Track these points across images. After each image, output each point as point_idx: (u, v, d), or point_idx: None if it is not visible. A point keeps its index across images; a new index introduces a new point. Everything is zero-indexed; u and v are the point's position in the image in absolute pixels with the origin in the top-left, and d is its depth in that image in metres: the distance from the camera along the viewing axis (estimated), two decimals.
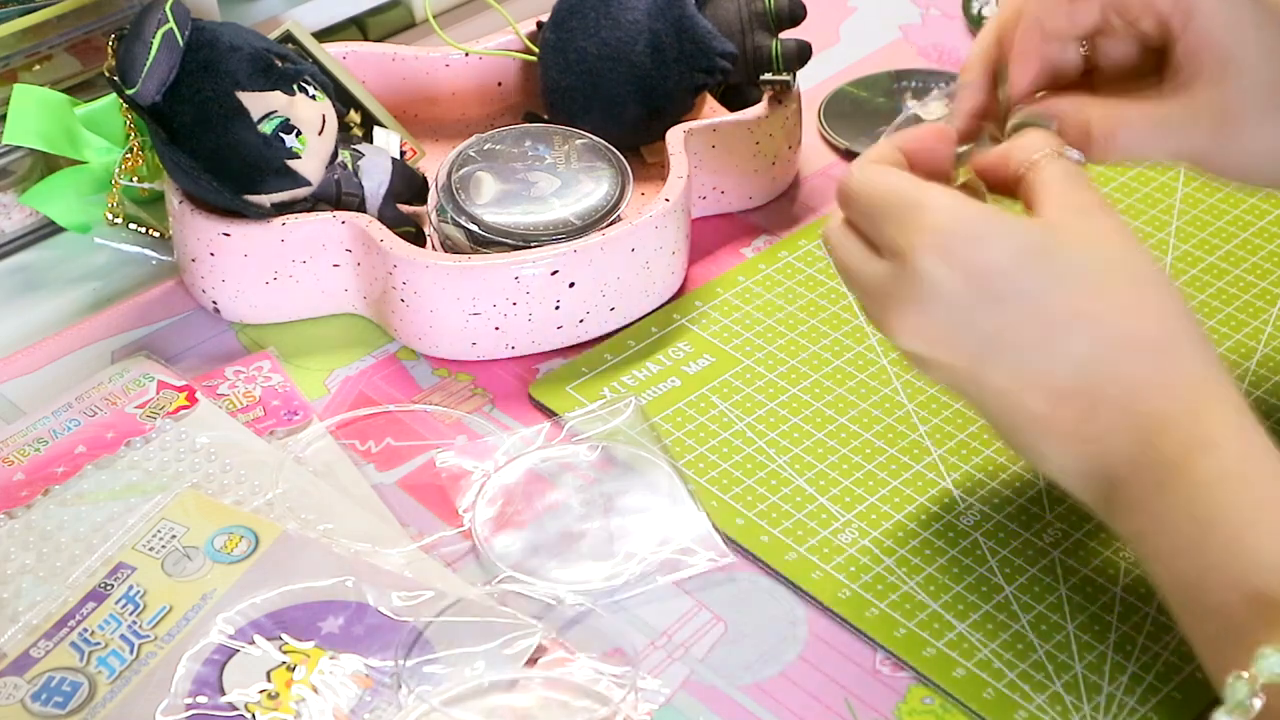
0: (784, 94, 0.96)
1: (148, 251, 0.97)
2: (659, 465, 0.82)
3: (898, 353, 0.71)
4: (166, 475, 0.81)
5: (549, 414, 0.86)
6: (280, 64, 0.88)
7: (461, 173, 0.90)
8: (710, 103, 1.00)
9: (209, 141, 0.86)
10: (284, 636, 0.73)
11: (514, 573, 0.77)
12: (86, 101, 0.94)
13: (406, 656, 0.72)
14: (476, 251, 0.88)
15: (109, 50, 0.91)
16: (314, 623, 0.74)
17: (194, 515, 0.78)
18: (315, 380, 0.88)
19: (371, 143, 0.94)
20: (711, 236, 0.96)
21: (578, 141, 0.92)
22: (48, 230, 0.98)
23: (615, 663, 0.73)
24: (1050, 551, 0.77)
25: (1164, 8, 0.73)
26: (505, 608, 0.75)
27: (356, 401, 0.87)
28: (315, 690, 0.71)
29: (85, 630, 0.74)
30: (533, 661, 0.73)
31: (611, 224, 0.88)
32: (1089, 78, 0.77)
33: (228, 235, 0.88)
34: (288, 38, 0.96)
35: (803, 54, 0.95)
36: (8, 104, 0.92)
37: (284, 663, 0.72)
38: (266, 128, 0.86)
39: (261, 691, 0.71)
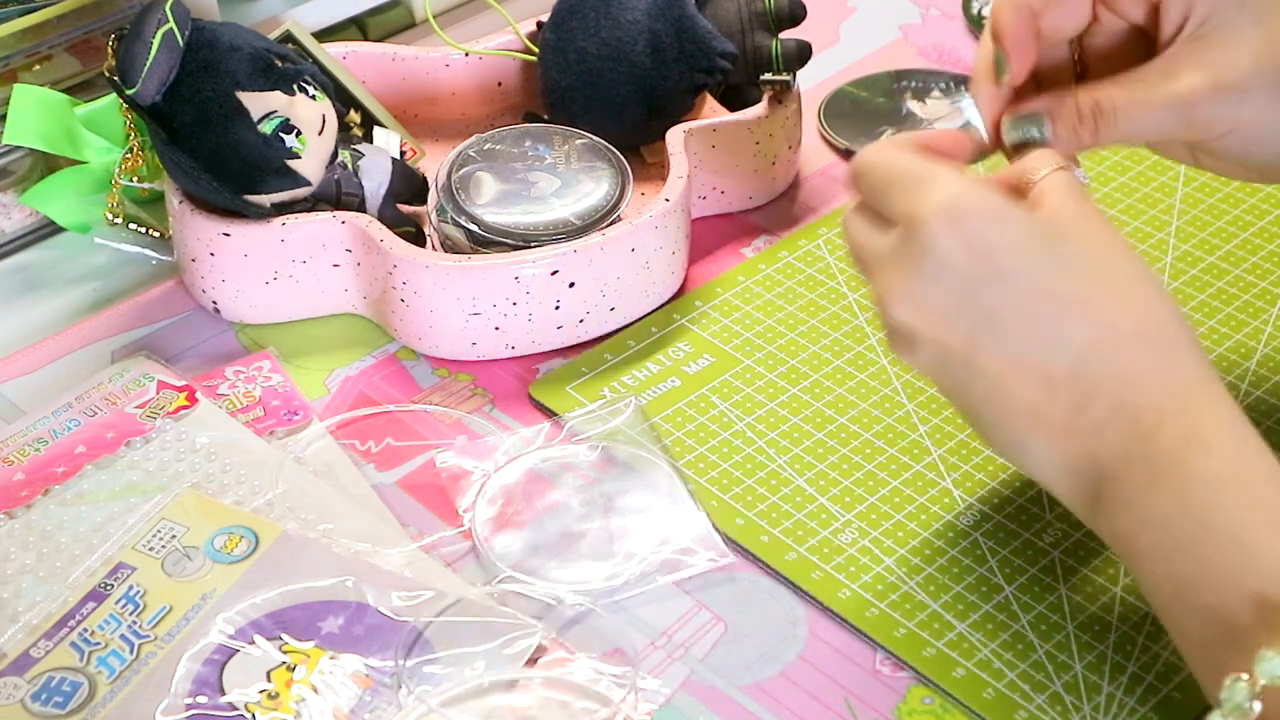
0: (784, 94, 0.96)
1: (148, 251, 0.97)
2: (659, 465, 0.82)
3: (887, 333, 0.70)
4: (166, 475, 0.81)
5: (549, 414, 0.86)
6: (280, 64, 0.88)
7: (461, 173, 0.90)
8: (710, 103, 1.00)
9: (209, 141, 0.86)
10: (284, 636, 0.73)
11: (514, 573, 0.77)
12: (86, 101, 0.94)
13: (406, 656, 0.72)
14: (476, 251, 0.88)
15: (109, 50, 0.91)
16: (314, 623, 0.74)
17: (194, 515, 0.78)
18: (315, 380, 0.88)
19: (371, 143, 0.94)
20: (711, 236, 0.96)
21: (578, 141, 0.92)
22: (48, 230, 0.98)
23: (615, 663, 0.73)
24: (1050, 551, 0.77)
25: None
26: (505, 608, 0.75)
27: (356, 401, 0.87)
28: (315, 690, 0.71)
29: (85, 630, 0.74)
30: (533, 661, 0.73)
31: (611, 224, 0.88)
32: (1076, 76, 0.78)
33: (228, 235, 0.88)
34: (288, 38, 0.96)
35: (803, 54, 0.95)
36: (8, 104, 0.92)
37: (284, 663, 0.72)
38: (266, 128, 0.86)
39: (261, 691, 0.71)
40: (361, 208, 0.90)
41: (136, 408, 0.85)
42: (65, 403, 0.85)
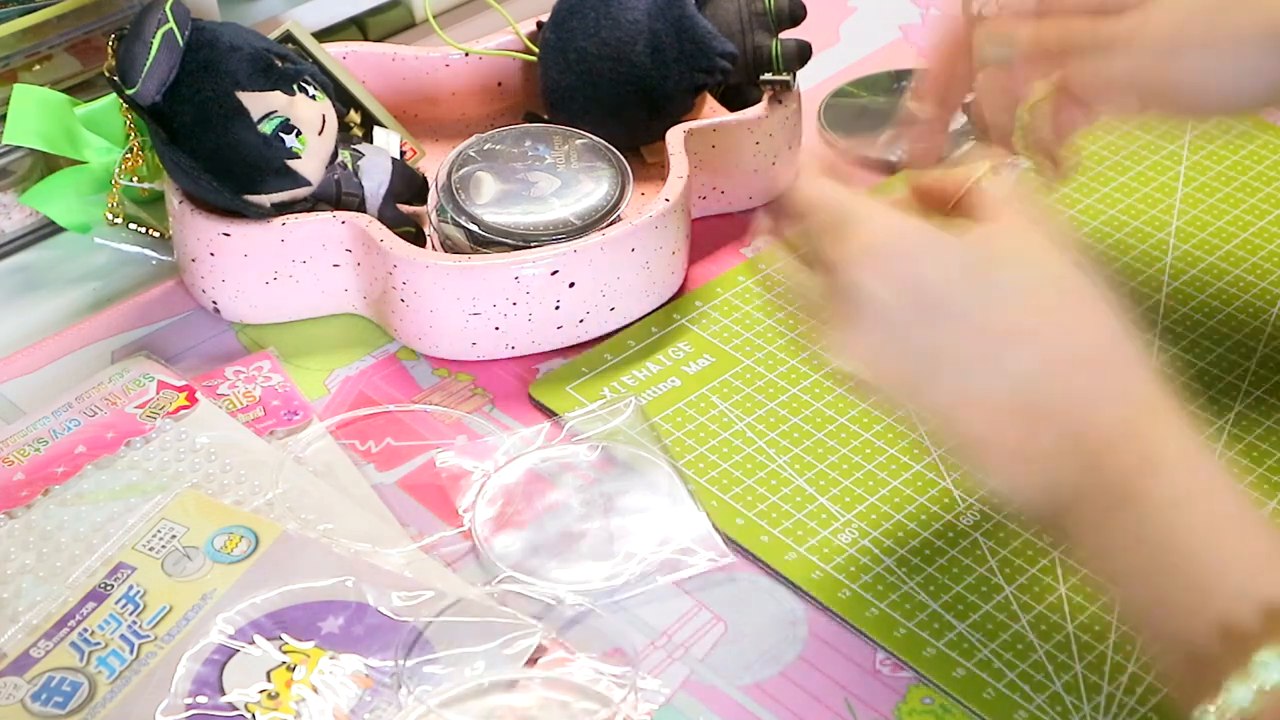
0: (784, 94, 0.96)
1: (148, 251, 0.97)
2: (659, 465, 0.82)
3: (834, 371, 0.70)
4: (166, 475, 0.81)
5: (549, 414, 0.86)
6: (280, 64, 0.88)
7: (461, 173, 0.90)
8: (710, 103, 1.00)
9: (209, 141, 0.86)
10: (284, 636, 0.73)
11: (514, 573, 0.77)
12: (86, 101, 0.94)
13: (406, 656, 0.72)
14: (476, 251, 0.88)
15: (109, 50, 0.91)
16: (314, 623, 0.74)
17: (194, 515, 0.78)
18: (315, 380, 0.88)
19: (371, 143, 0.94)
20: (711, 236, 0.96)
21: (578, 141, 0.92)
22: (48, 230, 0.98)
23: (615, 663, 0.73)
24: (1050, 551, 0.77)
25: None
26: (505, 608, 0.75)
27: (356, 401, 0.87)
28: (315, 690, 0.71)
29: (85, 630, 0.74)
30: (533, 661, 0.73)
31: (611, 224, 0.88)
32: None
33: (228, 235, 0.88)
34: (288, 38, 0.96)
35: (803, 54, 0.95)
36: (8, 104, 0.92)
37: (284, 663, 0.72)
38: (266, 128, 0.86)
39: (261, 691, 0.71)
40: (361, 208, 0.90)
41: (136, 408, 0.85)
42: (65, 403, 0.85)
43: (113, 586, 0.75)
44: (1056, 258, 0.67)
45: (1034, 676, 0.72)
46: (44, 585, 0.76)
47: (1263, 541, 0.62)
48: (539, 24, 0.98)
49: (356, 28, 1.09)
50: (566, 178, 0.90)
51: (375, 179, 0.91)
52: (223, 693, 0.71)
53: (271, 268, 0.89)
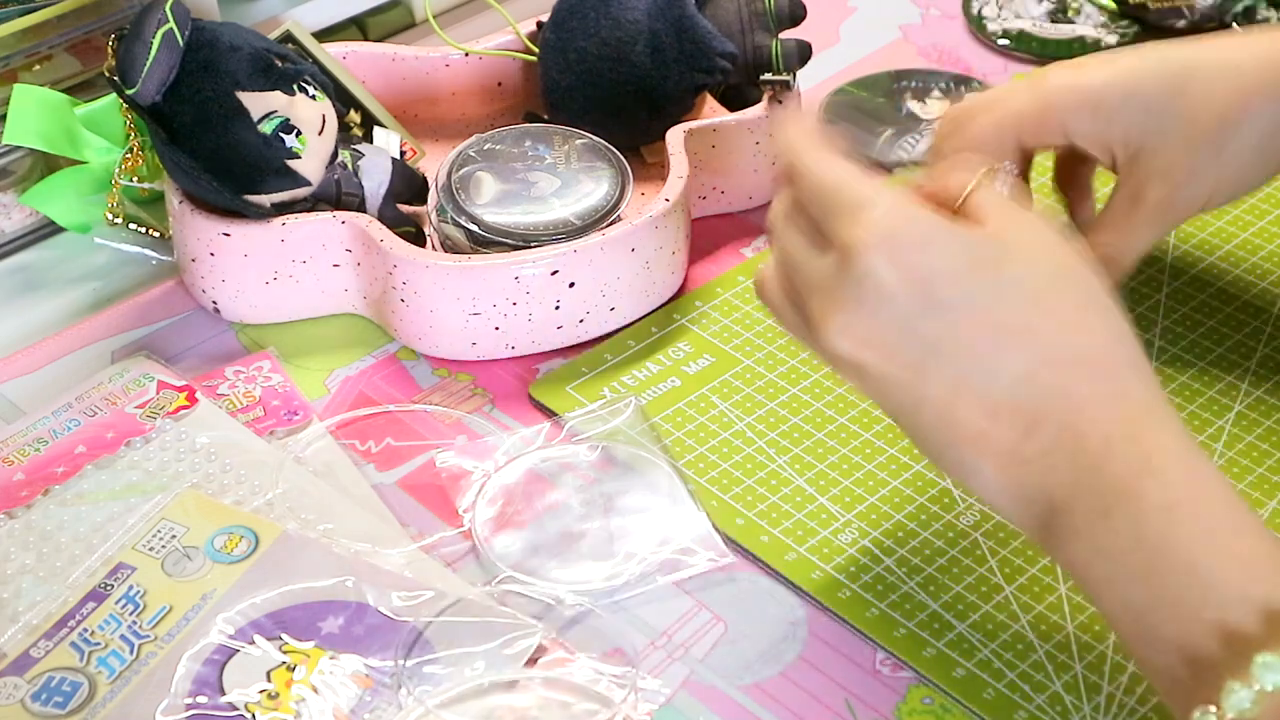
0: (784, 94, 0.96)
1: (148, 251, 0.97)
2: (659, 465, 0.82)
3: (826, 359, 0.69)
4: (166, 475, 0.81)
5: (549, 414, 0.86)
6: (280, 64, 0.88)
7: (461, 173, 0.90)
8: (710, 103, 1.00)
9: (209, 141, 0.86)
10: (284, 636, 0.73)
11: (514, 573, 0.77)
12: (86, 101, 0.94)
13: (406, 657, 0.72)
14: (476, 251, 0.88)
15: (109, 50, 0.91)
16: (314, 623, 0.74)
17: (194, 515, 0.78)
18: (315, 380, 0.88)
19: (371, 143, 0.94)
20: (711, 236, 0.96)
21: (578, 141, 0.92)
22: (48, 230, 0.98)
23: (615, 663, 0.73)
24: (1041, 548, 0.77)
25: (1117, 151, 0.80)
26: (505, 608, 0.75)
27: (356, 401, 0.87)
28: (315, 690, 0.71)
29: (85, 630, 0.74)
30: (533, 662, 0.73)
31: (611, 224, 0.88)
32: None
33: (228, 235, 0.88)
34: (288, 38, 0.96)
35: (803, 54, 0.95)
36: (8, 104, 0.92)
37: (284, 663, 0.72)
38: (266, 128, 0.86)
39: (261, 691, 0.71)
40: (361, 208, 0.90)
41: (136, 408, 0.85)
42: (65, 403, 0.85)
43: (113, 586, 0.75)
44: (1064, 258, 0.67)
45: (1034, 676, 0.72)
46: (44, 585, 0.76)
47: (1262, 545, 0.62)
48: (539, 24, 0.98)
49: (356, 28, 1.09)
50: (566, 178, 0.90)
51: (375, 179, 0.91)
52: (223, 693, 0.71)
53: (271, 268, 0.89)
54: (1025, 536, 0.77)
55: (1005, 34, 1.11)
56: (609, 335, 0.89)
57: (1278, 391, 0.84)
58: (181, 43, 0.85)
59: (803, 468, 0.82)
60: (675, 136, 0.92)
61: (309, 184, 0.88)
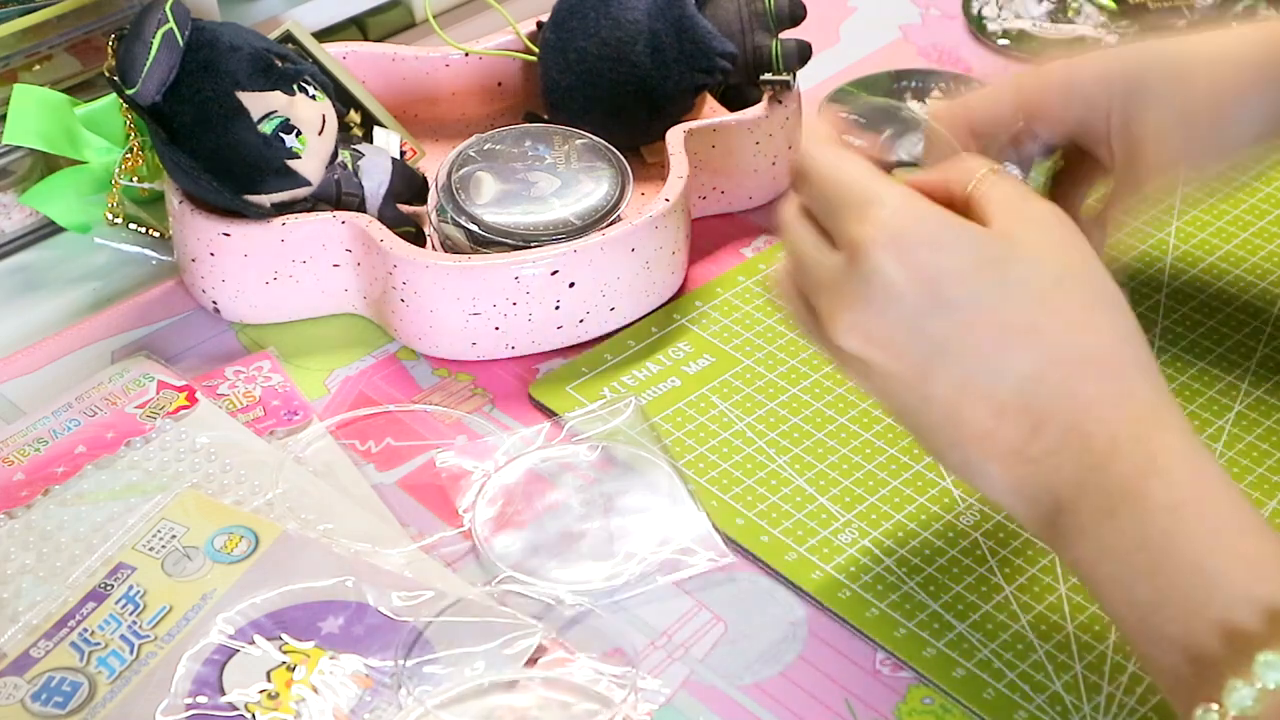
0: (784, 94, 0.96)
1: (148, 251, 0.97)
2: (659, 465, 0.82)
3: (833, 356, 0.69)
4: (166, 475, 0.81)
5: (549, 414, 0.86)
6: (280, 64, 0.88)
7: (461, 173, 0.90)
8: (710, 103, 1.00)
9: (209, 141, 0.86)
10: (284, 636, 0.73)
11: (514, 573, 0.77)
12: (86, 101, 0.94)
13: (406, 657, 0.72)
14: (476, 251, 0.88)
15: (109, 50, 0.91)
16: (314, 623, 0.74)
17: (194, 515, 0.78)
18: (315, 380, 0.88)
19: (371, 143, 0.94)
20: (711, 236, 0.96)
21: (578, 141, 0.92)
22: (48, 230, 0.98)
23: (615, 663, 0.73)
24: (1050, 551, 0.77)
25: (1113, 120, 0.78)
26: (505, 608, 0.75)
27: (356, 401, 0.87)
28: (315, 690, 0.71)
29: (85, 630, 0.74)
30: (533, 662, 0.73)
31: (611, 224, 0.88)
32: None
33: (228, 235, 0.88)
34: (288, 38, 0.96)
35: (803, 54, 0.95)
36: (8, 104, 0.92)
37: (284, 663, 0.72)
38: (266, 128, 0.86)
39: (261, 691, 0.71)
40: (361, 208, 0.90)
41: (136, 408, 0.85)
42: (65, 403, 0.85)
43: (113, 586, 0.75)
44: (1075, 255, 0.67)
45: (1034, 676, 0.72)
46: (44, 585, 0.76)
47: (1265, 545, 0.62)
48: (539, 24, 0.98)
49: (356, 28, 1.09)
50: (566, 178, 0.90)
51: (375, 179, 0.91)
52: (223, 693, 0.71)
53: (271, 268, 0.89)
54: (1025, 536, 0.77)
55: (1005, 34, 1.11)
56: (609, 335, 0.89)
57: (1278, 391, 0.84)
58: (181, 43, 0.85)
59: (803, 468, 0.82)
60: (675, 136, 0.92)
61: (309, 184, 0.88)
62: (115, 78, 0.86)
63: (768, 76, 0.95)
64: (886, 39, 1.12)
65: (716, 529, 0.79)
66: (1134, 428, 0.64)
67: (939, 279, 0.65)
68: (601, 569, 0.77)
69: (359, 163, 0.91)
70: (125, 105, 0.92)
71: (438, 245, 0.90)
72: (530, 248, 0.86)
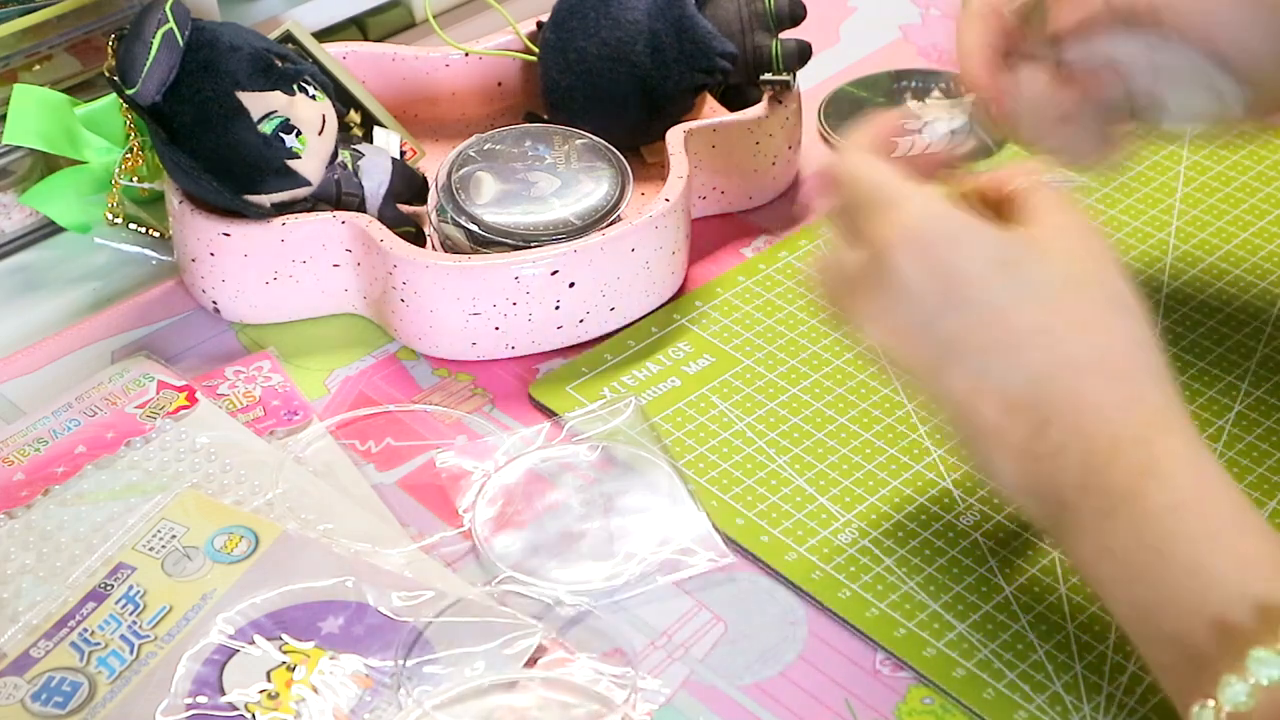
0: (784, 94, 0.96)
1: (148, 251, 0.97)
2: (659, 465, 0.82)
3: (868, 346, 0.72)
4: (166, 475, 0.81)
5: (549, 414, 0.86)
6: (280, 64, 0.88)
7: (461, 173, 0.90)
8: (710, 103, 1.00)
9: (209, 141, 0.86)
10: (284, 636, 0.73)
11: (514, 573, 0.77)
12: (86, 101, 0.94)
13: (406, 657, 0.72)
14: (476, 251, 0.88)
15: (109, 50, 0.91)
16: (314, 623, 0.74)
17: (194, 515, 0.78)
18: (315, 380, 0.88)
19: (371, 143, 0.94)
20: (711, 236, 0.96)
21: (578, 141, 0.92)
22: (48, 230, 0.98)
23: (615, 663, 0.73)
24: (1050, 551, 0.77)
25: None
26: (505, 608, 0.75)
27: (356, 401, 0.87)
28: (315, 690, 0.71)
29: (85, 630, 0.74)
30: (533, 662, 0.73)
31: (611, 224, 0.88)
32: None
33: (228, 235, 0.88)
34: (288, 38, 0.96)
35: (803, 54, 0.95)
36: (8, 104, 0.92)
37: (284, 663, 0.72)
38: (266, 128, 0.86)
39: (261, 691, 0.71)
40: (361, 208, 0.90)
41: (136, 408, 0.85)
42: (65, 403, 0.85)
43: (113, 586, 0.75)
44: (1096, 264, 0.69)
45: (1034, 676, 0.72)
46: (44, 585, 0.76)
47: (1265, 545, 0.62)
48: (539, 24, 0.98)
49: (356, 28, 1.09)
50: (566, 178, 0.90)
51: (375, 179, 0.91)
52: (223, 693, 0.71)
53: (271, 268, 0.89)
54: (1026, 536, 0.77)
55: None
56: (609, 335, 0.89)
57: (1278, 391, 0.84)
58: (181, 43, 0.85)
59: (803, 468, 0.82)
60: (675, 136, 0.92)
61: (309, 184, 0.88)
62: (115, 78, 0.86)
63: (768, 76, 0.95)
64: (886, 39, 1.12)
65: (716, 529, 0.79)
66: (1138, 430, 0.65)
67: (952, 277, 0.67)
68: (601, 569, 0.77)
69: (359, 163, 0.91)
70: (125, 105, 0.92)
71: (438, 245, 0.90)
72: (530, 248, 0.86)
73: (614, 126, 0.94)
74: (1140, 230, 0.94)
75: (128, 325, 0.92)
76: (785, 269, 0.93)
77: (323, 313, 0.91)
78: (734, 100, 0.99)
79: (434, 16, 1.02)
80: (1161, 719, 0.70)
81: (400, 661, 0.72)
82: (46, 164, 0.97)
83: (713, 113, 0.99)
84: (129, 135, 0.94)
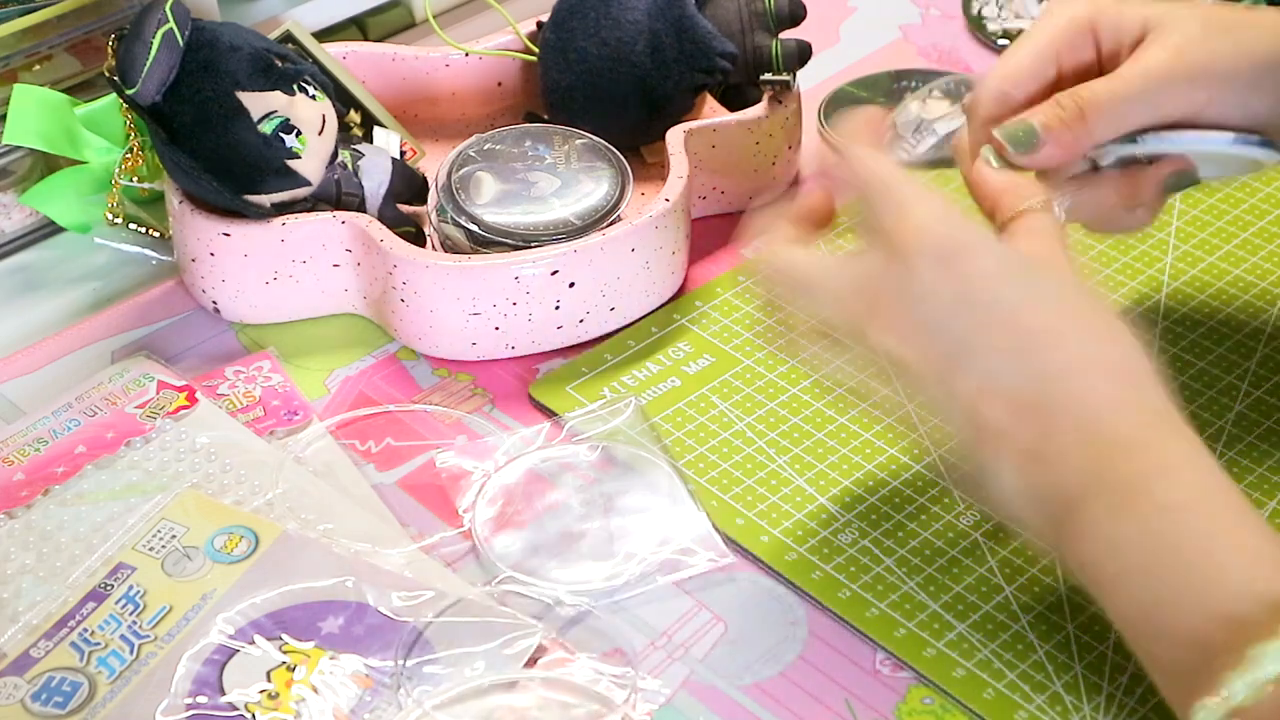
0: (784, 94, 0.96)
1: (148, 251, 0.97)
2: (659, 465, 0.82)
3: (877, 353, 0.71)
4: (166, 475, 0.81)
5: (549, 414, 0.86)
6: (280, 64, 0.88)
7: (461, 173, 0.90)
8: (710, 103, 1.00)
9: (209, 141, 0.86)
10: (284, 636, 0.73)
11: (514, 573, 0.77)
12: (86, 101, 0.94)
13: (406, 657, 0.72)
14: (476, 251, 0.88)
15: (109, 50, 0.91)
16: (314, 623, 0.74)
17: (194, 515, 0.78)
18: (315, 380, 0.88)
19: (371, 143, 0.94)
20: (711, 236, 0.96)
21: (578, 141, 0.92)
22: (48, 230, 0.98)
23: (615, 663, 0.73)
24: (1050, 551, 0.77)
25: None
26: (505, 608, 0.75)
27: (356, 401, 0.87)
28: (315, 690, 0.71)
29: (85, 630, 0.74)
30: (533, 662, 0.73)
31: (611, 224, 0.88)
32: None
33: (228, 235, 0.88)
34: (288, 38, 0.96)
35: (803, 54, 0.95)
36: (8, 104, 0.92)
37: (284, 663, 0.72)
38: (266, 128, 0.86)
39: (261, 691, 0.71)
40: (361, 208, 0.90)
41: (136, 408, 0.85)
42: (65, 403, 0.85)
43: (113, 586, 0.75)
44: (1084, 285, 0.71)
45: (1034, 676, 0.72)
46: (44, 585, 0.76)
47: (1267, 544, 0.63)
48: (539, 24, 0.98)
49: (356, 28, 1.09)
50: (566, 178, 0.90)
51: (375, 179, 0.91)
52: (223, 693, 0.71)
53: (271, 268, 0.89)
54: (1027, 537, 0.77)
55: (1005, 34, 1.11)
56: (609, 335, 0.89)
57: (1278, 391, 0.84)
58: (181, 43, 0.85)
59: (803, 468, 0.82)
60: (675, 136, 0.92)
61: (309, 184, 0.88)
62: (115, 78, 0.86)
63: (768, 76, 0.95)
64: (886, 39, 1.12)
65: (716, 529, 0.79)
66: (1144, 432, 0.66)
67: (968, 279, 0.68)
68: (601, 569, 0.77)
69: (359, 163, 0.91)
70: (125, 105, 0.92)
71: (438, 245, 0.90)
72: (530, 248, 0.86)
73: (614, 126, 0.94)
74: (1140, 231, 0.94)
75: (128, 325, 0.92)
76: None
77: (323, 313, 0.91)
78: (734, 100, 0.99)
79: (434, 16, 1.02)
80: (1161, 719, 0.70)
81: (400, 661, 0.72)
82: (46, 164, 0.97)
83: (713, 113, 0.99)
84: (129, 135, 0.94)
